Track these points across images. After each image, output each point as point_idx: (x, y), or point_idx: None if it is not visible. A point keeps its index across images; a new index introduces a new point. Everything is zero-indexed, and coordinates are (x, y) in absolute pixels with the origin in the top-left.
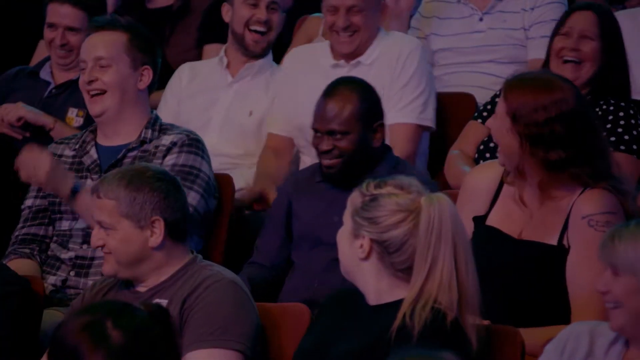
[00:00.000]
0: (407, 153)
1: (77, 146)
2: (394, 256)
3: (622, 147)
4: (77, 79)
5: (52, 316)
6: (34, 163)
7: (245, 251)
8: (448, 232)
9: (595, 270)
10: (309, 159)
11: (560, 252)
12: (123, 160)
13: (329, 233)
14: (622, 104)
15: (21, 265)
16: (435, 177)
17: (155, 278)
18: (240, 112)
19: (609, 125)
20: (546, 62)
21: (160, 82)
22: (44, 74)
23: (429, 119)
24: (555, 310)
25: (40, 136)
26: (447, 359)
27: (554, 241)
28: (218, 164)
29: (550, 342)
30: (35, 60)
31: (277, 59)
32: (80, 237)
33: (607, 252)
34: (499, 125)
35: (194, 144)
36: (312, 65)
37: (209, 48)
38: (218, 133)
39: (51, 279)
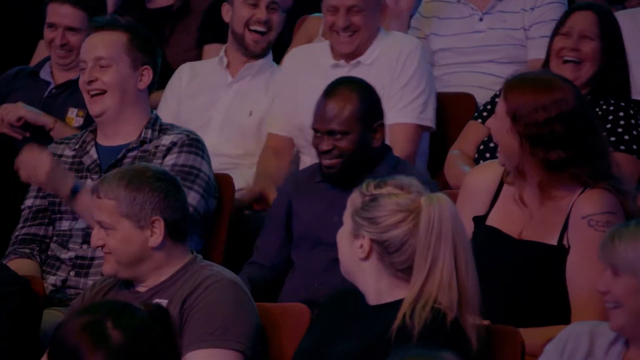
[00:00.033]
0: (407, 153)
1: (77, 146)
2: (394, 256)
3: (622, 147)
4: (77, 79)
5: (52, 316)
6: (34, 163)
7: (245, 251)
8: (448, 232)
9: (595, 270)
10: (309, 159)
11: (560, 252)
12: (123, 160)
13: (329, 233)
14: (622, 103)
15: (21, 265)
16: (435, 177)
17: (155, 278)
18: (240, 112)
19: (609, 125)
20: (546, 62)
21: (160, 82)
22: (44, 74)
23: (429, 119)
24: (555, 310)
25: (40, 136)
26: (447, 359)
27: (554, 241)
28: (218, 164)
29: (550, 342)
30: (35, 60)
31: (277, 59)
32: (80, 237)
33: (607, 252)
34: (499, 125)
35: (194, 144)
36: (312, 65)
37: (209, 48)
38: (218, 133)
39: (51, 279)
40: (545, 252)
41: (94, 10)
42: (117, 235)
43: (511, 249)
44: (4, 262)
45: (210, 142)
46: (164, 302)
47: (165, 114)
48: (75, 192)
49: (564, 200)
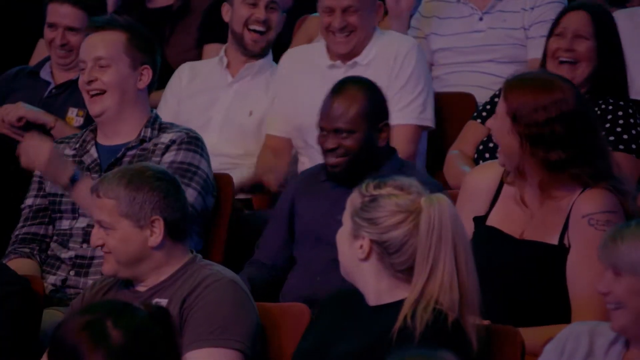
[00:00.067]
0: (408, 154)
1: (77, 145)
2: (394, 257)
3: (621, 147)
4: (77, 79)
5: (52, 316)
6: (34, 150)
7: (245, 251)
8: (448, 232)
9: (596, 270)
10: (307, 160)
11: (561, 252)
12: (122, 159)
13: (331, 232)
14: (621, 103)
15: (21, 265)
16: (435, 177)
17: (155, 277)
18: (240, 112)
19: (607, 125)
20: (543, 64)
21: (160, 81)
22: (44, 74)
23: (429, 119)
24: (556, 309)
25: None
26: (446, 359)
27: (554, 241)
28: (218, 164)
29: (549, 342)
30: (34, 59)
31: (277, 59)
32: (80, 236)
33: (609, 253)
34: (499, 125)
35: (193, 142)
36: (308, 66)
37: (209, 48)
38: (218, 133)
39: (51, 279)
40: (546, 251)
41: (94, 10)
42: (117, 234)
43: (512, 249)
44: (4, 262)
45: (210, 142)
46: (163, 301)
47: (165, 113)
48: (74, 180)
49: (564, 200)
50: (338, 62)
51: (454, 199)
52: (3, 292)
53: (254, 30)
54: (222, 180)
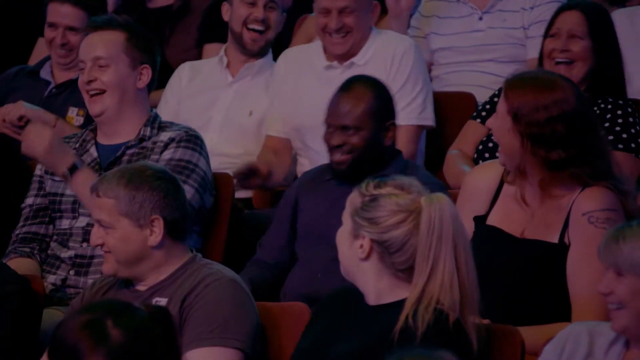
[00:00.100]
0: (409, 154)
1: (77, 145)
2: (394, 256)
3: (620, 146)
4: (78, 79)
5: (52, 315)
6: (35, 136)
7: (245, 251)
8: (449, 232)
9: (596, 267)
10: (307, 161)
11: (561, 250)
12: (122, 157)
13: (333, 230)
14: (620, 102)
15: (21, 265)
16: (434, 176)
17: (154, 277)
18: (240, 112)
19: (607, 124)
20: (540, 65)
21: (160, 81)
22: (44, 74)
23: (429, 118)
24: (556, 308)
25: None
26: (446, 358)
27: (554, 239)
28: (218, 164)
29: (549, 342)
30: (33, 58)
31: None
32: (80, 235)
33: (610, 253)
34: (500, 124)
35: (192, 140)
36: (305, 66)
37: (209, 47)
38: (218, 133)
39: (51, 278)
40: (546, 250)
41: (94, 9)
42: (116, 234)
43: (512, 247)
44: (4, 261)
45: (210, 141)
46: (163, 300)
47: (165, 113)
48: (74, 170)
49: (565, 198)
50: (335, 63)
51: (454, 198)
52: (3, 291)
53: (253, 30)
54: (222, 179)
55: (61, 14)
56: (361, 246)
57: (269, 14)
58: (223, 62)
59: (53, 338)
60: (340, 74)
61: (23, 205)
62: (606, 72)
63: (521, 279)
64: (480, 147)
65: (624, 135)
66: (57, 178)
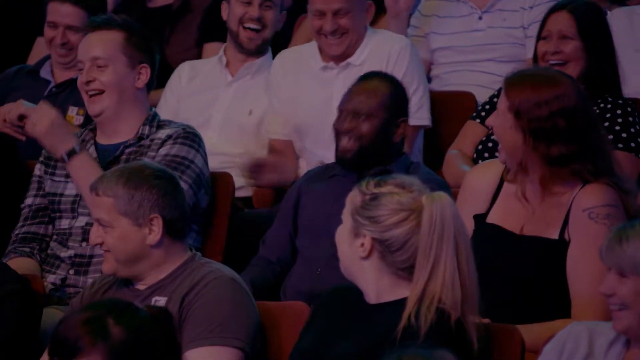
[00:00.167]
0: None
1: None
2: (395, 255)
3: (620, 145)
4: (77, 78)
5: (51, 315)
6: (39, 114)
7: (245, 250)
8: (450, 230)
9: (596, 263)
10: (303, 163)
11: (561, 246)
12: (120, 156)
13: (335, 226)
14: (620, 101)
15: (21, 264)
16: None
17: (154, 276)
18: (239, 111)
19: (606, 124)
20: None
21: (160, 81)
22: (44, 73)
23: (425, 118)
24: (556, 305)
25: None
26: (445, 357)
27: (554, 236)
28: (217, 163)
29: (549, 342)
30: (32, 58)
31: None
32: (79, 235)
33: (613, 255)
34: (501, 122)
35: (189, 137)
36: (301, 68)
37: (208, 47)
38: (218, 132)
39: (51, 278)
40: (546, 246)
41: (94, 9)
42: (115, 233)
43: (513, 244)
44: (4, 261)
45: (210, 141)
46: (162, 299)
47: (165, 112)
48: (72, 154)
49: (565, 195)
50: (331, 64)
51: (454, 198)
52: (3, 291)
53: (249, 28)
54: (222, 179)
55: (61, 14)
56: (362, 245)
57: (265, 12)
58: (222, 61)
59: (54, 334)
60: (337, 75)
61: (23, 205)
62: (600, 70)
63: (521, 276)
64: (480, 147)
65: (624, 135)
66: (56, 178)
